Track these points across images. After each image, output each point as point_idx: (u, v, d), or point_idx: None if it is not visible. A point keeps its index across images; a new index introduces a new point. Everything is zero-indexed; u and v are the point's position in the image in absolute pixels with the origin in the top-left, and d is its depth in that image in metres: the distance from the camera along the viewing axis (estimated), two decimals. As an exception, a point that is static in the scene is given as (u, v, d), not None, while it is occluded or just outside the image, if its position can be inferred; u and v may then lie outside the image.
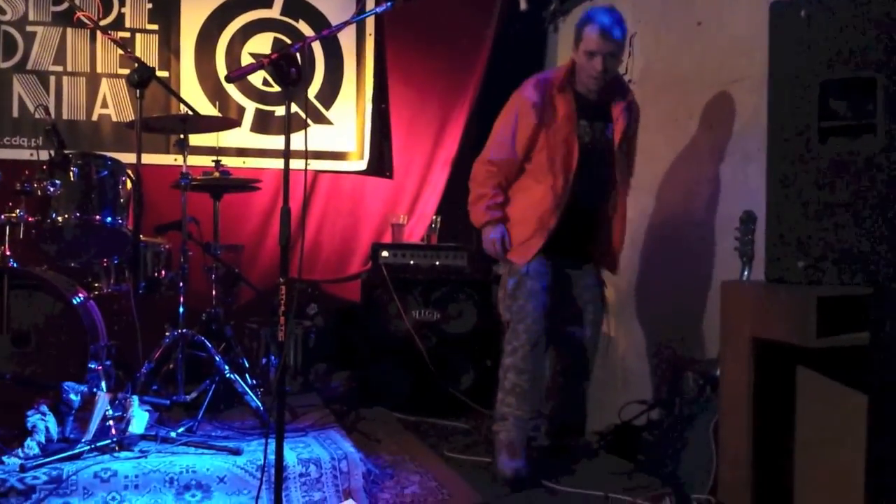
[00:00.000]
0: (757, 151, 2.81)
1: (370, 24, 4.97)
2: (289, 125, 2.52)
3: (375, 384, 4.05)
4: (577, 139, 3.07)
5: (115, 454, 2.85)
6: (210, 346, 3.48)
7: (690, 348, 3.33)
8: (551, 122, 3.07)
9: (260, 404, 3.35)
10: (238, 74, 2.66)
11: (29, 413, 2.92)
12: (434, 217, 4.74)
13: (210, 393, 3.35)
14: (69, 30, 4.56)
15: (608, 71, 3.05)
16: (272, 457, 2.34)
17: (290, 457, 2.84)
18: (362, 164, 4.99)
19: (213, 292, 3.91)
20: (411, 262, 4.24)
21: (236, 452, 2.89)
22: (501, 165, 3.15)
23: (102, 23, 4.50)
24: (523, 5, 5.03)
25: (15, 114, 4.50)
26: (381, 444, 3.42)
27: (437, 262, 4.26)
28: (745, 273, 2.70)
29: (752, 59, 2.94)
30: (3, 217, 3.41)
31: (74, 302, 3.29)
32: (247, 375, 3.59)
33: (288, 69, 2.49)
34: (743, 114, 3.17)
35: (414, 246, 4.51)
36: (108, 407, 2.96)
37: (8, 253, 3.38)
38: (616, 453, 3.35)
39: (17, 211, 3.44)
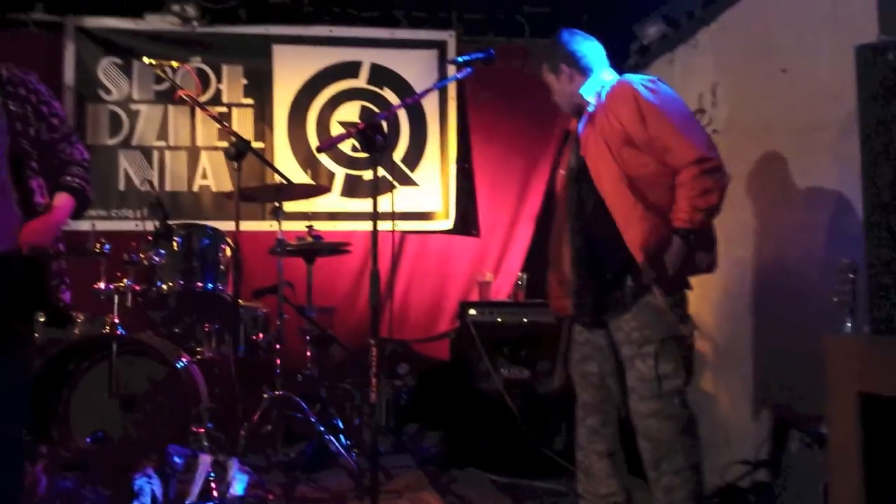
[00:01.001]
0: (851, 198, 2.71)
1: (451, 87, 5.11)
2: (376, 189, 2.60)
3: (467, 444, 4.02)
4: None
5: (217, 517, 2.93)
6: (306, 407, 3.56)
7: (794, 404, 3.19)
8: None
9: (355, 465, 3.39)
10: (328, 145, 2.79)
11: (136, 476, 3.03)
12: (520, 274, 4.75)
13: (306, 454, 3.41)
14: (170, 107, 4.87)
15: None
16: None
17: (385, 519, 2.85)
18: (448, 224, 5.07)
19: (308, 354, 4.01)
20: (499, 320, 4.23)
21: (333, 514, 2.92)
22: None
23: (201, 99, 4.76)
24: (602, 58, 5.06)
25: (121, 187, 4.81)
26: (476, 506, 3.39)
27: (525, 320, 4.24)
28: (848, 324, 2.58)
29: (841, 104, 2.86)
30: (111, 286, 3.62)
31: (178, 366, 3.45)
32: (341, 436, 3.64)
33: (374, 137, 2.59)
34: (834, 160, 3.08)
35: (501, 303, 4.51)
36: (210, 469, 3.05)
37: (116, 320, 3.57)
38: (720, 516, 3.21)
39: (125, 280, 3.66)
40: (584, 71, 2.85)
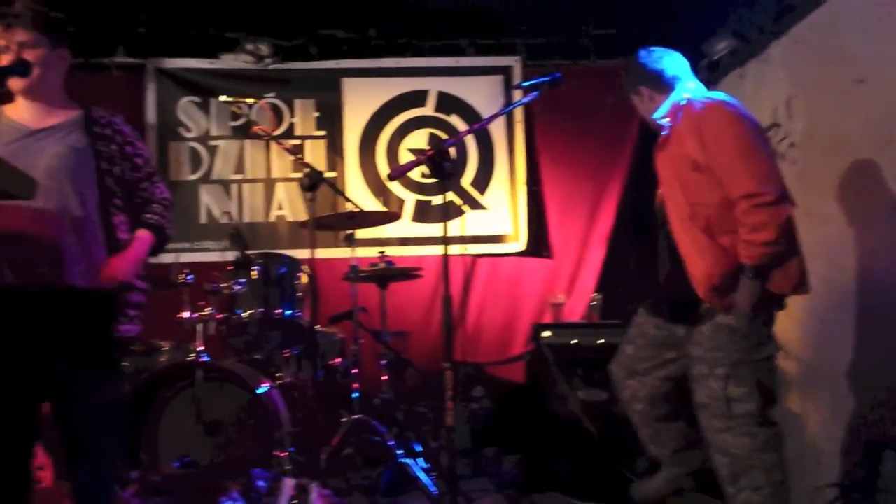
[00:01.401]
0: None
1: (518, 111, 5.15)
2: (446, 214, 2.64)
3: (547, 468, 3.98)
4: None
5: (301, 539, 2.97)
6: (383, 430, 3.59)
7: (888, 424, 3.07)
8: None
9: (434, 489, 3.39)
10: (398, 173, 2.85)
11: (222, 500, 3.10)
12: (594, 295, 4.72)
13: (385, 478, 3.44)
14: (246, 142, 5.04)
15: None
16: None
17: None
18: (519, 246, 5.09)
19: (384, 378, 4.05)
20: (574, 342, 4.21)
21: (415, 537, 2.93)
22: None
23: (275, 133, 4.93)
24: (671, 76, 5.03)
25: (203, 220, 4.98)
26: (557, 531, 3.36)
27: (601, 341, 4.20)
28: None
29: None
30: (195, 315, 3.74)
31: (260, 392, 3.53)
32: (419, 459, 3.66)
33: (442, 163, 2.64)
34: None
35: (575, 325, 4.49)
36: (293, 493, 3.10)
37: (201, 348, 3.69)
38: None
39: (208, 309, 3.77)
40: (663, 89, 2.82)
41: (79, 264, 2.30)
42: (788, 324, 3.74)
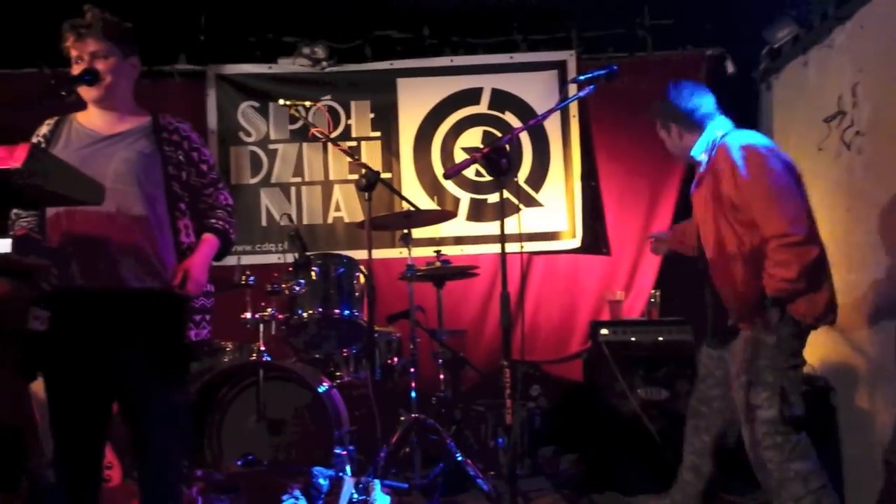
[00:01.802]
0: None
1: (573, 106, 5.09)
2: (503, 211, 2.62)
3: (606, 467, 3.94)
4: None
5: (361, 537, 3.01)
6: (441, 429, 3.61)
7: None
8: None
9: (491, 488, 3.39)
10: (454, 171, 2.83)
11: (284, 497, 3.16)
12: (653, 291, 4.64)
13: (444, 476, 3.45)
14: (305, 144, 5.11)
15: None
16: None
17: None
18: (575, 243, 5.03)
19: (441, 376, 4.07)
20: (633, 339, 4.14)
21: (473, 536, 2.94)
22: None
23: (332, 135, 4.99)
24: (731, 68, 4.92)
25: (263, 223, 5.08)
26: (617, 531, 3.32)
27: (661, 338, 4.12)
28: None
29: None
30: (257, 316, 3.82)
31: (320, 391, 3.58)
32: (477, 458, 3.67)
33: (498, 160, 2.62)
34: None
35: (634, 322, 4.41)
36: (353, 491, 3.14)
37: (263, 348, 3.76)
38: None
39: (269, 310, 3.85)
40: (693, 127, 2.88)
41: (146, 267, 2.36)
42: (856, 317, 3.62)
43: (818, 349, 3.99)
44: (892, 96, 3.41)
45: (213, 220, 2.58)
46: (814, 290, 2.63)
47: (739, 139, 2.75)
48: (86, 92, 2.45)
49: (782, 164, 2.72)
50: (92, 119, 2.49)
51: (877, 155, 3.49)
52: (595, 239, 5.03)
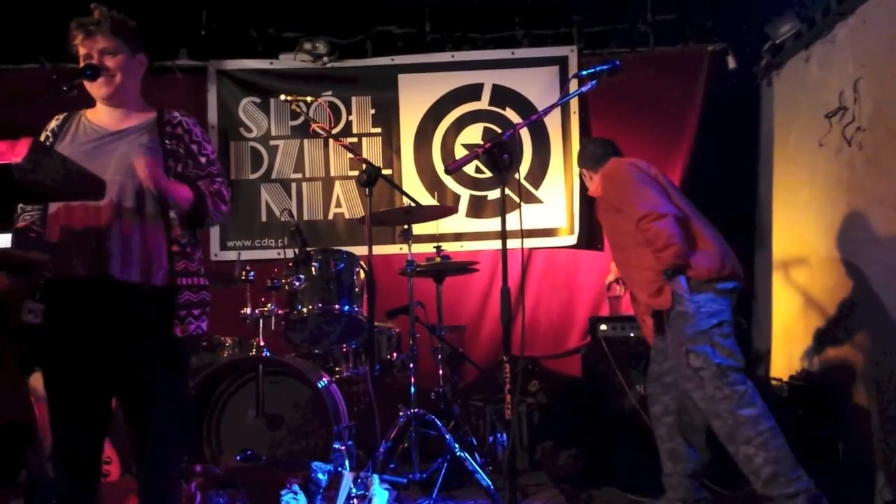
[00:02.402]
0: None
1: (574, 102, 5.09)
2: (504, 207, 2.61)
3: (604, 462, 3.94)
4: None
5: (360, 531, 3.02)
6: (440, 424, 3.61)
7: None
8: None
9: (490, 483, 3.40)
10: (456, 167, 2.80)
11: (283, 492, 3.17)
12: (653, 287, 4.62)
13: (442, 471, 3.45)
14: (306, 141, 5.12)
15: None
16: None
17: (522, 537, 2.84)
18: (573, 239, 5.04)
19: (440, 372, 4.07)
20: (631, 335, 4.15)
21: (471, 531, 2.94)
22: None
23: (334, 131, 4.99)
24: (732, 64, 4.91)
25: (263, 218, 5.09)
26: (616, 526, 3.32)
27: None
28: None
29: None
30: (257, 311, 3.83)
31: (320, 386, 3.58)
32: (476, 453, 3.67)
33: (501, 156, 2.61)
34: None
35: (633, 318, 4.40)
36: (352, 485, 3.15)
37: (262, 343, 3.77)
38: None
39: (269, 305, 3.85)
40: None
41: (140, 259, 2.35)
42: (854, 313, 3.62)
43: (816, 346, 4.00)
44: (893, 92, 3.41)
45: (199, 183, 2.48)
46: (694, 249, 3.05)
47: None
48: (95, 89, 2.45)
49: (634, 167, 3.27)
50: (100, 116, 2.49)
51: (877, 150, 3.49)
52: (591, 235, 5.03)
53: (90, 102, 2.53)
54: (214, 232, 5.06)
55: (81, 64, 2.43)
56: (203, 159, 2.53)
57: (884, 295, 3.39)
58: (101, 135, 2.42)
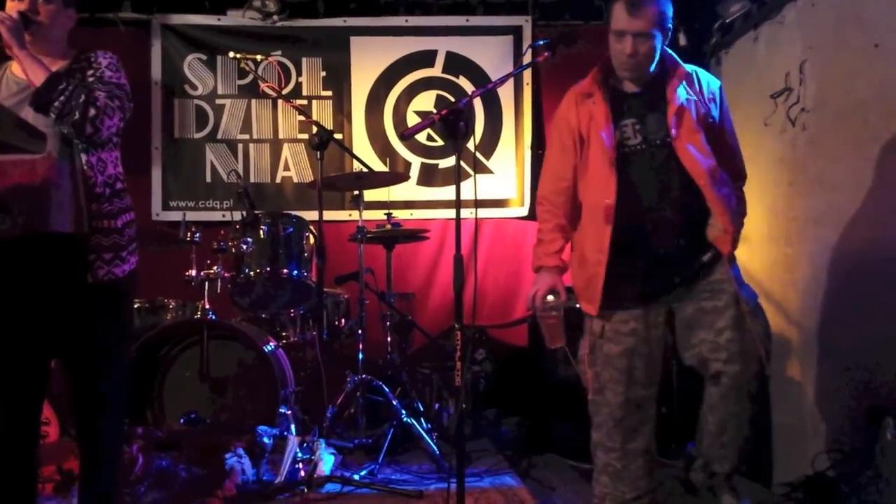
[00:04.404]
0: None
1: (527, 73, 5.08)
2: (458, 174, 2.60)
3: (546, 430, 4.02)
4: (614, 144, 2.62)
5: (305, 495, 3.01)
6: (388, 391, 3.62)
7: (889, 391, 3.08)
8: (587, 134, 2.68)
9: (436, 449, 3.43)
10: (412, 132, 2.78)
11: (227, 456, 3.14)
12: (598, 259, 4.70)
13: (388, 437, 3.47)
14: (254, 100, 5.00)
15: (639, 55, 2.59)
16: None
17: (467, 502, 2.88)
18: (523, 211, 5.07)
19: (389, 339, 4.07)
20: (577, 306, 4.20)
21: (418, 496, 2.97)
22: (555, 198, 2.78)
23: (283, 92, 4.88)
24: (682, 41, 4.96)
25: (208, 179, 4.97)
26: (557, 492, 3.39)
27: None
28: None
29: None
30: (202, 274, 3.76)
31: (266, 350, 3.55)
32: (422, 419, 3.70)
33: (457, 123, 2.60)
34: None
35: (579, 289, 4.47)
36: (298, 450, 3.14)
37: (207, 306, 3.71)
38: (809, 506, 3.13)
39: (215, 268, 3.78)
40: None
41: (67, 208, 2.27)
42: (790, 290, 3.75)
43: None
44: (838, 74, 3.50)
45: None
46: None
47: None
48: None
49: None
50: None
51: (820, 132, 3.59)
52: (542, 207, 5.06)
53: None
54: (156, 191, 4.92)
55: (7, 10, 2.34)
56: (91, 72, 2.39)
57: (820, 274, 3.51)
58: (23, 87, 2.35)
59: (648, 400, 2.72)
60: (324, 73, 5.05)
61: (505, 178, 5.08)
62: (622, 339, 2.69)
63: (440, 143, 5.00)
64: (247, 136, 5.00)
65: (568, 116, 2.75)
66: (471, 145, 4.91)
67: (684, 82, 2.67)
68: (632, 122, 2.67)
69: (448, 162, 5.02)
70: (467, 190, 2.64)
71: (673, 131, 2.59)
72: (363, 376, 3.63)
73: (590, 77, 2.77)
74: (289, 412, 3.41)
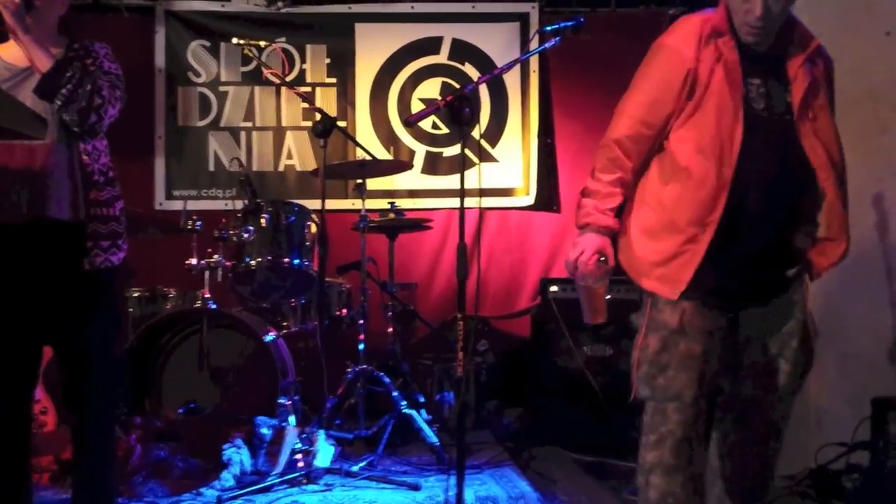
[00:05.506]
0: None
1: (534, 60, 5.03)
2: (463, 162, 2.56)
3: (548, 422, 3.99)
4: (742, 104, 2.05)
5: (303, 487, 3.00)
6: (388, 381, 3.59)
7: (894, 384, 3.03)
8: (707, 79, 2.07)
9: (436, 440, 3.41)
10: (417, 118, 2.74)
11: (225, 446, 3.14)
12: (603, 250, 4.65)
13: (388, 428, 3.45)
14: (257, 88, 4.96)
15: (770, 16, 2.02)
16: (451, 493, 2.36)
17: (467, 494, 2.84)
18: (529, 200, 5.01)
19: (390, 329, 4.04)
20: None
21: (415, 488, 2.95)
22: (630, 146, 2.16)
23: (287, 79, 4.84)
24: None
25: (211, 167, 4.95)
26: (557, 485, 3.35)
27: (608, 297, 4.14)
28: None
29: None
30: (203, 262, 3.73)
31: (266, 340, 3.53)
32: (422, 411, 3.67)
33: (462, 109, 2.55)
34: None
35: (584, 280, 4.43)
36: (297, 440, 3.12)
37: (207, 295, 3.68)
38: (811, 499, 3.09)
39: (216, 256, 3.75)
40: None
41: (65, 195, 2.25)
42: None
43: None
44: (848, 62, 3.40)
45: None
46: None
47: None
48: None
49: None
50: (13, 52, 2.37)
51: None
52: (548, 196, 5.01)
53: (2, 37, 2.40)
54: (160, 180, 4.90)
55: None
56: (90, 61, 2.35)
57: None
58: (14, 72, 2.32)
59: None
60: (328, 60, 5.01)
61: (510, 166, 5.03)
62: (700, 337, 2.10)
63: (445, 131, 4.96)
64: (250, 124, 4.97)
65: (684, 50, 2.09)
66: (476, 133, 4.94)
67: (814, 56, 2.16)
68: (757, 84, 2.09)
69: (453, 150, 4.97)
70: (472, 179, 2.59)
71: (797, 111, 2.08)
72: (363, 367, 3.60)
73: (723, 11, 2.10)
74: (288, 403, 3.39)
